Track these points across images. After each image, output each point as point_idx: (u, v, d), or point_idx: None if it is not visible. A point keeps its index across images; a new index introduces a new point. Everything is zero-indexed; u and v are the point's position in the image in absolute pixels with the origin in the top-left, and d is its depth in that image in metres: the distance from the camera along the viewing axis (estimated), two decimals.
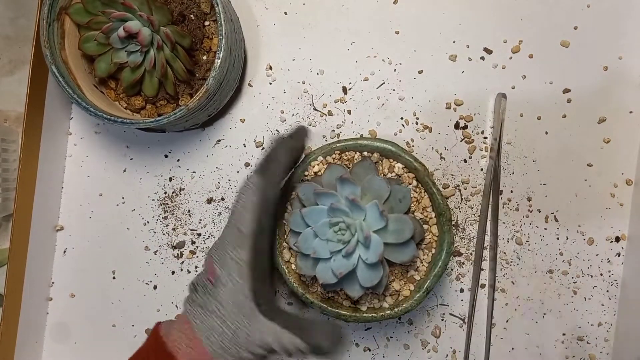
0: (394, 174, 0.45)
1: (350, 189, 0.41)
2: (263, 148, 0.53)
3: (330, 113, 0.53)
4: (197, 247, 0.53)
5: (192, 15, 0.48)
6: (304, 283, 0.45)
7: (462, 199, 0.52)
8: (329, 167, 0.44)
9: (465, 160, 0.52)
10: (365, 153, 0.46)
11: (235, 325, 0.38)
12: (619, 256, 0.51)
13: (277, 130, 0.53)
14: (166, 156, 0.54)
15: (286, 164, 0.41)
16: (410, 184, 0.45)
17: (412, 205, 0.45)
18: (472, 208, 0.52)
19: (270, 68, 0.53)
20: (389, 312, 0.44)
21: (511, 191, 0.51)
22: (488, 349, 0.51)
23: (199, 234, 0.53)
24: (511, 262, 0.51)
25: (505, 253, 0.51)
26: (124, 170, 0.54)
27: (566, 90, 0.51)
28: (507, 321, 0.51)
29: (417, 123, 0.52)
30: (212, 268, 0.40)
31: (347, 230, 0.40)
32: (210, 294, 0.39)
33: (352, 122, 0.53)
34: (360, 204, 0.40)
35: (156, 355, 0.39)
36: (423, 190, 0.45)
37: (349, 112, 0.53)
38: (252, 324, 0.38)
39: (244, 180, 0.40)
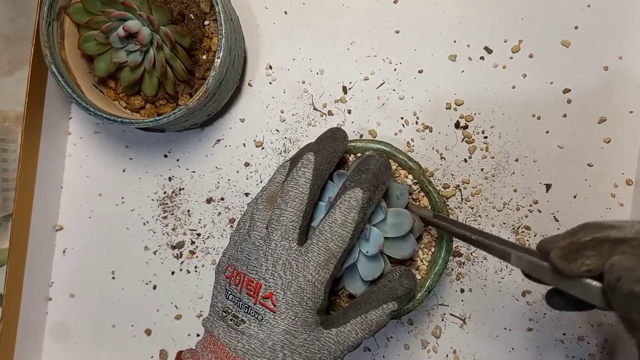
0: None
1: None
2: (263, 148, 0.53)
3: (330, 113, 0.53)
4: (197, 247, 0.53)
5: (191, 15, 0.48)
6: None
7: (462, 199, 0.52)
8: None
9: (465, 160, 0.52)
10: (358, 154, 0.45)
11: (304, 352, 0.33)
12: None
13: (277, 130, 0.53)
14: (166, 156, 0.54)
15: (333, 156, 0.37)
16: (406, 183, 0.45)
17: (409, 204, 0.44)
18: (472, 208, 0.52)
19: (270, 68, 0.53)
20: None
21: (514, 191, 0.51)
22: None
23: (199, 234, 0.53)
24: None
25: None
26: (124, 170, 0.54)
27: (566, 90, 0.51)
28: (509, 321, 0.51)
29: (417, 123, 0.52)
30: (258, 288, 0.33)
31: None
32: (263, 323, 0.32)
33: (352, 122, 0.53)
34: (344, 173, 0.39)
35: None
36: (419, 189, 0.45)
37: (349, 111, 0.53)
38: (321, 342, 0.33)
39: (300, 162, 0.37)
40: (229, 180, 0.53)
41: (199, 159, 0.54)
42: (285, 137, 0.53)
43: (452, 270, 0.51)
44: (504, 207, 0.51)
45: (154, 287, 0.53)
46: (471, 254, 0.51)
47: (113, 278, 0.54)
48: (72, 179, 0.55)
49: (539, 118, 0.51)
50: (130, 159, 0.54)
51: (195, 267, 0.53)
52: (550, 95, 0.52)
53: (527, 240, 0.51)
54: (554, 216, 0.51)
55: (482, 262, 0.51)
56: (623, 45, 0.51)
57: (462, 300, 0.51)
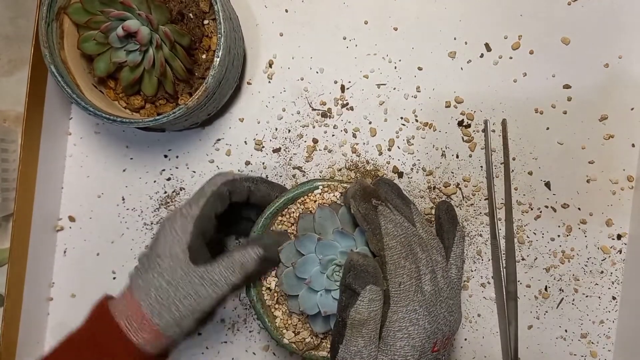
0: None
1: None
2: (263, 147, 0.53)
3: (330, 111, 0.53)
4: None
5: (191, 14, 0.48)
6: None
7: (463, 197, 0.52)
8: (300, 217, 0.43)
9: (465, 158, 0.52)
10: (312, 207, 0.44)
11: (172, 278, 0.39)
12: (620, 253, 0.51)
13: (277, 129, 0.53)
14: (166, 156, 0.54)
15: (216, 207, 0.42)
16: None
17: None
18: (472, 205, 0.51)
19: (270, 66, 0.53)
20: None
21: (515, 189, 0.51)
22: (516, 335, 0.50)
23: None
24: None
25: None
26: (124, 170, 0.54)
27: (567, 87, 0.51)
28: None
29: (417, 121, 0.52)
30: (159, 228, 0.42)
31: (341, 270, 0.40)
32: (151, 248, 0.41)
33: (350, 122, 0.52)
34: (348, 233, 0.40)
35: (99, 324, 0.40)
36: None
37: (349, 110, 0.53)
38: (190, 277, 0.39)
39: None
40: None
41: (199, 158, 0.54)
42: (285, 137, 0.53)
43: None
44: (503, 205, 0.51)
45: None
46: (477, 252, 0.51)
47: (114, 278, 0.54)
48: (73, 179, 0.55)
49: (540, 113, 0.51)
50: (131, 158, 0.54)
51: None
52: (551, 93, 0.51)
53: (527, 238, 0.51)
54: (555, 213, 0.51)
55: (488, 261, 0.51)
56: (623, 42, 0.51)
57: (463, 302, 0.51)
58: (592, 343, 0.51)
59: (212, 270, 0.39)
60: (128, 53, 0.46)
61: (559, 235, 0.51)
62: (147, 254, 0.41)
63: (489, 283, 0.51)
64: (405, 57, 0.52)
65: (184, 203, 0.42)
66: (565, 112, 0.51)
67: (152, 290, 0.39)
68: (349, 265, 0.37)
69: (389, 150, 0.52)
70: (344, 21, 0.53)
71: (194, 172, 0.53)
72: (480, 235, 0.51)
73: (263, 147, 0.53)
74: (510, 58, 0.52)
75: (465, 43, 0.52)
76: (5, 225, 0.55)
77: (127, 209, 0.54)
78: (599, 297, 0.51)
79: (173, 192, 0.54)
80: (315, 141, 0.53)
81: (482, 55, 0.52)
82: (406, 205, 0.40)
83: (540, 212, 0.51)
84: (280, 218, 0.44)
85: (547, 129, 0.51)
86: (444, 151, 0.52)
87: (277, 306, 0.43)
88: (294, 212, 0.44)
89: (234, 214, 0.46)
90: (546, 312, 0.51)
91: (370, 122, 0.52)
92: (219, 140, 0.53)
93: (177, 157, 0.54)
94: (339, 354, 0.37)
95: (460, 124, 0.52)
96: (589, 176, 0.51)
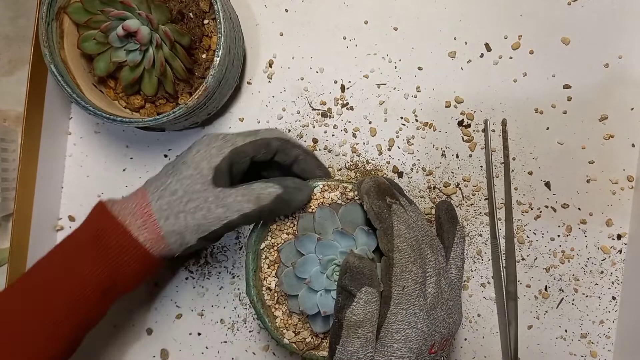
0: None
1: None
2: None
3: (329, 111, 0.53)
4: None
5: (191, 14, 0.48)
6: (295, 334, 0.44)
7: (463, 197, 0.52)
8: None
9: (465, 158, 0.52)
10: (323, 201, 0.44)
11: (189, 189, 0.40)
12: (620, 253, 0.51)
13: (276, 128, 0.53)
14: (166, 155, 0.54)
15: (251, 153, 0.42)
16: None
17: None
18: (472, 205, 0.51)
19: (270, 66, 0.53)
20: None
21: (515, 189, 0.51)
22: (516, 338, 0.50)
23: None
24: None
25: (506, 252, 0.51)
26: (124, 170, 0.54)
27: (567, 87, 0.51)
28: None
29: (417, 121, 0.52)
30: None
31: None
32: (180, 156, 0.41)
33: (350, 121, 0.52)
34: (348, 232, 0.40)
35: (100, 223, 0.40)
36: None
37: (349, 109, 0.53)
38: (206, 194, 0.39)
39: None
40: None
41: None
42: None
43: None
44: (503, 205, 0.51)
45: (155, 284, 0.53)
46: (477, 252, 0.51)
47: None
48: (73, 178, 0.55)
49: (540, 113, 0.51)
50: (131, 158, 0.54)
51: (195, 264, 0.53)
52: (551, 92, 0.51)
53: (527, 238, 0.51)
54: (555, 213, 0.51)
55: (488, 261, 0.51)
56: (623, 42, 0.51)
57: (463, 302, 0.51)
58: (592, 343, 0.51)
59: (228, 194, 0.39)
60: (128, 53, 0.46)
61: (559, 235, 0.51)
62: (173, 162, 0.42)
63: (489, 283, 0.51)
64: (405, 57, 0.52)
65: (234, 133, 0.43)
66: (565, 112, 0.51)
67: (166, 193, 0.40)
68: (345, 266, 0.37)
69: (389, 150, 0.52)
70: (344, 21, 0.53)
71: None
72: (480, 235, 0.51)
73: None
74: (510, 58, 0.52)
75: (465, 43, 0.52)
76: (5, 225, 0.55)
77: None
78: (599, 297, 0.51)
79: None
80: (315, 141, 0.53)
81: (482, 55, 0.52)
82: (409, 205, 0.40)
83: (540, 212, 0.51)
84: (280, 217, 0.44)
85: (547, 129, 0.51)
86: (444, 151, 0.52)
87: (277, 306, 0.43)
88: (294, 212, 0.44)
89: (256, 171, 0.46)
90: (546, 312, 0.51)
91: (370, 122, 0.52)
92: None
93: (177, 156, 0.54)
94: (336, 354, 0.37)
95: (460, 124, 0.52)
96: (589, 176, 0.51)
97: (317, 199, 0.43)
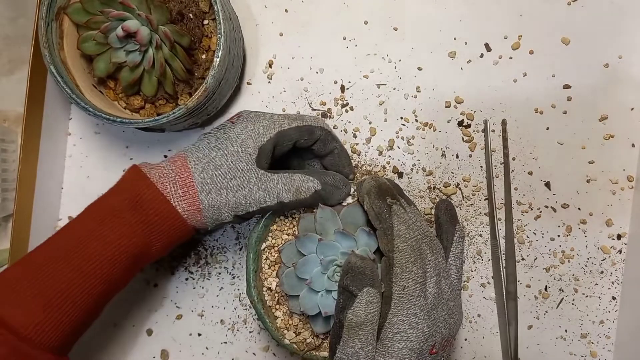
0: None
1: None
2: None
3: (329, 111, 0.53)
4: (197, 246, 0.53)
5: (190, 14, 0.48)
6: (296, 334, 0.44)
7: (463, 197, 0.52)
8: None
9: (465, 158, 0.52)
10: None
11: (233, 167, 0.39)
12: (620, 253, 0.51)
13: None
14: (166, 156, 0.54)
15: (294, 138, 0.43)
16: None
17: None
18: (472, 205, 0.51)
19: (270, 67, 0.53)
20: None
21: (515, 189, 0.51)
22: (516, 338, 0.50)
23: (199, 233, 0.53)
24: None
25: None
26: (124, 170, 0.54)
27: (567, 87, 0.51)
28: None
29: (417, 121, 0.52)
30: (238, 114, 0.42)
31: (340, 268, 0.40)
32: (224, 130, 0.41)
33: (350, 122, 0.52)
34: (349, 233, 0.40)
35: (134, 190, 0.39)
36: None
37: (349, 110, 0.52)
38: (249, 174, 0.40)
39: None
40: None
41: None
42: None
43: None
44: (503, 205, 0.51)
45: (155, 285, 0.53)
46: (477, 252, 0.51)
47: None
48: (73, 179, 0.55)
49: (541, 113, 0.51)
50: (131, 159, 0.54)
51: (195, 265, 0.53)
52: (551, 92, 0.51)
53: (527, 238, 0.51)
54: (555, 213, 0.51)
55: (488, 261, 0.51)
56: (623, 43, 0.51)
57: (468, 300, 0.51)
58: (592, 343, 0.51)
59: (270, 179, 0.40)
60: (128, 53, 0.46)
61: (559, 235, 0.51)
62: (216, 133, 0.42)
63: (489, 283, 0.51)
64: (405, 57, 0.52)
65: (279, 114, 0.43)
66: (565, 112, 0.51)
67: (210, 167, 0.40)
68: (347, 267, 0.37)
69: (389, 150, 0.52)
70: (344, 21, 0.53)
71: None
72: (480, 235, 0.51)
73: None
74: (510, 58, 0.52)
75: (465, 43, 0.52)
76: (5, 226, 0.55)
77: None
78: (599, 297, 0.51)
79: None
80: None
81: (482, 55, 0.52)
82: (408, 205, 0.40)
83: (540, 212, 0.51)
84: (281, 218, 0.44)
85: (547, 129, 0.51)
86: (444, 151, 0.52)
87: (277, 307, 0.43)
88: (294, 212, 0.44)
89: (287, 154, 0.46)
90: (546, 312, 0.51)
91: (370, 122, 0.52)
92: None
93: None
94: (337, 355, 0.37)
95: (460, 124, 0.52)
96: (589, 176, 0.51)
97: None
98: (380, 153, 0.52)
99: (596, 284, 0.51)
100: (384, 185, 0.39)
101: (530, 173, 0.51)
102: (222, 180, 0.40)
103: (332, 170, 0.45)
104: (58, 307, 0.36)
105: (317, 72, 0.53)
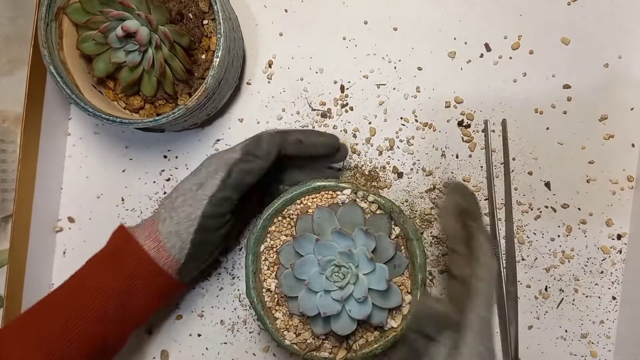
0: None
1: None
2: None
3: (329, 111, 0.53)
4: None
5: (190, 14, 0.48)
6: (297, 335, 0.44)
7: None
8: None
9: (465, 158, 0.52)
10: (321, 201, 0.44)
11: (183, 187, 0.42)
12: (620, 253, 0.51)
13: (276, 129, 0.53)
14: (165, 156, 0.54)
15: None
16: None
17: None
18: None
19: (270, 67, 0.53)
20: (376, 345, 0.42)
21: (515, 189, 0.51)
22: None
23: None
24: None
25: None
26: (123, 171, 0.54)
27: (567, 87, 0.51)
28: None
29: (417, 121, 0.52)
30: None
31: (339, 270, 0.40)
32: (181, 183, 0.43)
33: (350, 122, 0.52)
34: (347, 233, 0.40)
35: (123, 245, 0.42)
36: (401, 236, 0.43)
37: (349, 110, 0.52)
38: (190, 193, 0.42)
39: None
40: None
41: (199, 158, 0.53)
42: None
43: None
44: (503, 205, 0.51)
45: None
46: None
47: None
48: (72, 179, 0.54)
49: (541, 113, 0.51)
50: (130, 159, 0.54)
51: None
52: (551, 92, 0.51)
53: (527, 238, 0.51)
54: (555, 213, 0.51)
55: None
56: (623, 43, 0.51)
57: None
58: (592, 343, 0.51)
59: (197, 173, 0.42)
60: (127, 53, 0.45)
61: (559, 236, 0.51)
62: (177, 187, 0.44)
63: None
64: (405, 57, 0.52)
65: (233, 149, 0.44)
66: (565, 112, 0.51)
67: (167, 203, 0.43)
68: (424, 311, 0.35)
69: (389, 150, 0.52)
70: (344, 21, 0.53)
71: None
72: None
73: None
74: (510, 58, 0.52)
75: (465, 43, 0.52)
76: (5, 226, 0.55)
77: (127, 210, 0.54)
78: (599, 297, 0.51)
79: None
80: None
81: (482, 55, 0.52)
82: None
83: (540, 212, 0.51)
84: (279, 219, 0.44)
85: (547, 129, 0.51)
86: (444, 151, 0.52)
87: (277, 307, 0.43)
88: (292, 213, 0.44)
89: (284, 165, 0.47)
90: (546, 312, 0.51)
91: (370, 122, 0.52)
92: (218, 140, 0.53)
93: (176, 157, 0.54)
94: None
95: (460, 124, 0.52)
96: (589, 176, 0.51)
97: (318, 199, 0.43)
98: (380, 153, 0.52)
99: (596, 284, 0.51)
100: (476, 207, 0.38)
101: (530, 173, 0.51)
102: (171, 205, 0.42)
103: (317, 158, 0.46)
104: None
105: (316, 72, 0.53)
